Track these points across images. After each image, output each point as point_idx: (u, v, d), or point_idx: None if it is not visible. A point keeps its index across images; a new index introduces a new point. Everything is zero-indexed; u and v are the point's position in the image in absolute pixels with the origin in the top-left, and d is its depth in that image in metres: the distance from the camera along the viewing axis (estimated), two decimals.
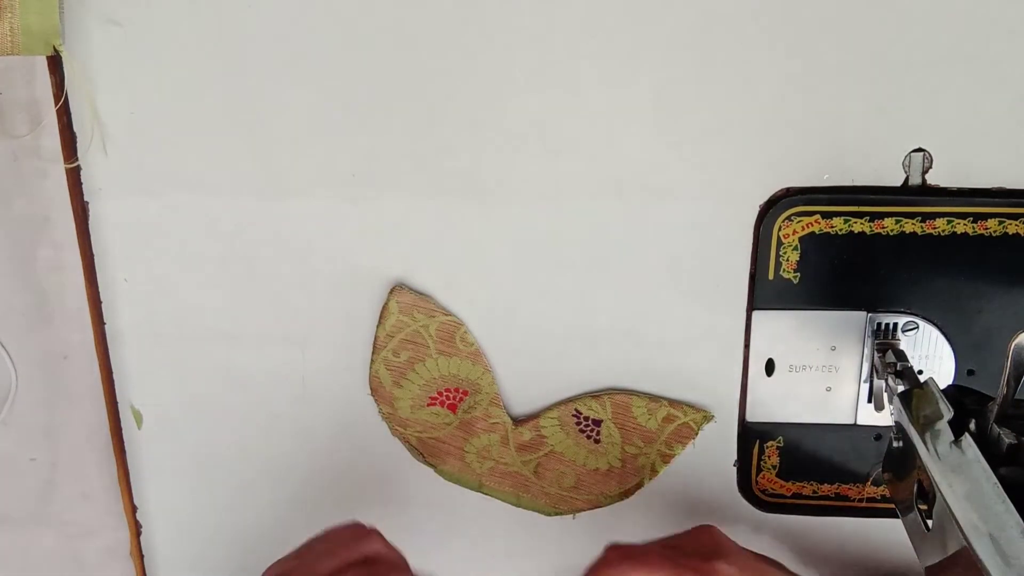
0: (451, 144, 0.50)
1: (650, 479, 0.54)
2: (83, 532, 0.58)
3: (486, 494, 0.55)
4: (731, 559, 0.48)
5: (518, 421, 0.54)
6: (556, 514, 0.56)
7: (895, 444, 0.46)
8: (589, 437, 0.54)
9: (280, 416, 0.55)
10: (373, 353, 0.53)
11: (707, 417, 0.53)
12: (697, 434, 0.53)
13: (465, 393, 0.53)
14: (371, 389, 0.54)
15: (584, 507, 0.56)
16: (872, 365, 0.51)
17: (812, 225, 0.50)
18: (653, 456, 0.54)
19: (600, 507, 0.56)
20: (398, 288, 0.51)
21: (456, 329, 0.52)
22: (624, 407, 0.53)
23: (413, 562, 0.57)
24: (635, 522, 0.56)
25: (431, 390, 0.53)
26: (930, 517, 0.41)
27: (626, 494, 0.55)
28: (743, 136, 0.48)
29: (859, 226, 0.50)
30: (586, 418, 0.54)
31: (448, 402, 0.53)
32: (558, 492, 0.55)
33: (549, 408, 0.54)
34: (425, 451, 0.55)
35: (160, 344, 0.54)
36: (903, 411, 0.44)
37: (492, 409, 0.54)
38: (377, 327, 0.52)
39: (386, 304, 0.52)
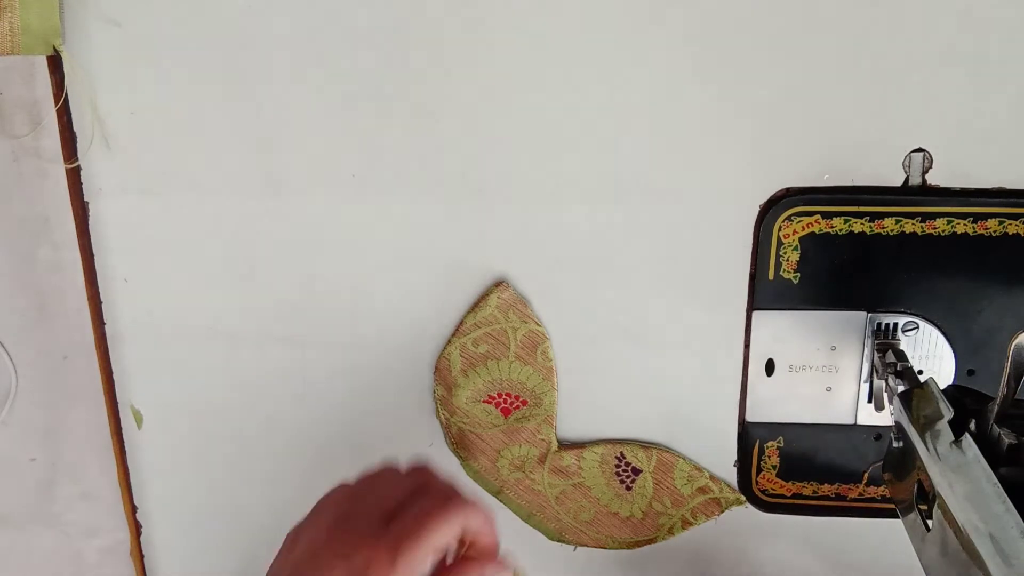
0: (451, 144, 0.50)
1: (663, 539, 0.55)
2: (83, 532, 0.58)
3: (501, 501, 0.55)
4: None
5: (562, 445, 0.54)
6: (559, 541, 0.56)
7: (895, 444, 0.46)
8: (623, 482, 0.55)
9: (280, 416, 0.55)
10: (453, 335, 0.53)
11: (739, 500, 0.54)
12: (723, 512, 0.54)
13: (524, 403, 0.53)
14: (436, 368, 0.53)
15: (590, 543, 0.56)
16: (872, 365, 0.51)
17: (812, 225, 0.50)
18: (676, 519, 0.55)
19: (604, 548, 0.56)
20: (504, 284, 0.51)
21: (541, 341, 0.52)
22: (667, 466, 0.54)
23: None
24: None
25: (493, 389, 0.53)
26: (930, 517, 0.41)
27: (635, 545, 0.56)
28: (743, 136, 0.48)
29: (859, 226, 0.50)
30: (628, 464, 0.54)
31: (503, 406, 0.53)
32: (571, 523, 0.55)
33: (596, 443, 0.54)
34: (461, 443, 0.55)
35: (160, 344, 0.54)
36: (903, 411, 0.44)
37: (543, 426, 0.54)
38: (467, 314, 0.52)
39: (486, 296, 0.52)
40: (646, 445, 0.54)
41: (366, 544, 0.38)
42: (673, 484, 0.54)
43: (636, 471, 0.54)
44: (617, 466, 0.54)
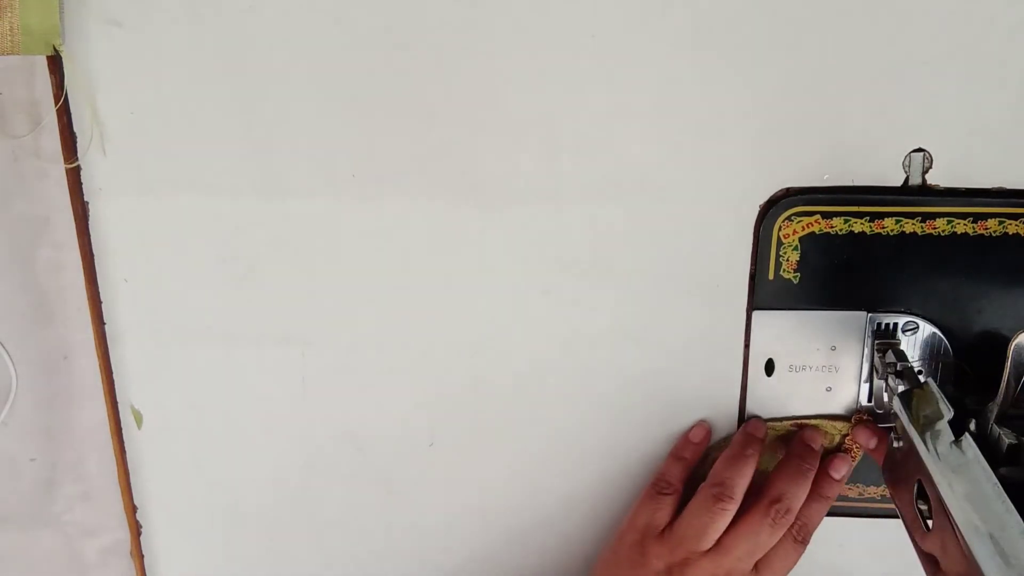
0: (451, 144, 0.50)
1: None
2: (83, 532, 0.58)
3: None
4: None
5: None
6: None
7: (895, 444, 0.46)
8: None
9: (280, 416, 0.55)
10: None
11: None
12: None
13: None
14: None
15: None
16: (872, 365, 0.52)
17: (812, 225, 0.50)
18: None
19: None
20: None
21: None
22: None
23: (411, 556, 0.57)
24: None
25: None
26: (930, 517, 0.41)
27: None
28: (743, 136, 0.48)
29: (859, 226, 0.50)
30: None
31: None
32: None
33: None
34: None
35: (160, 344, 0.54)
36: (903, 411, 0.44)
37: None
38: None
39: None
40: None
41: None
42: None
43: None
44: None
